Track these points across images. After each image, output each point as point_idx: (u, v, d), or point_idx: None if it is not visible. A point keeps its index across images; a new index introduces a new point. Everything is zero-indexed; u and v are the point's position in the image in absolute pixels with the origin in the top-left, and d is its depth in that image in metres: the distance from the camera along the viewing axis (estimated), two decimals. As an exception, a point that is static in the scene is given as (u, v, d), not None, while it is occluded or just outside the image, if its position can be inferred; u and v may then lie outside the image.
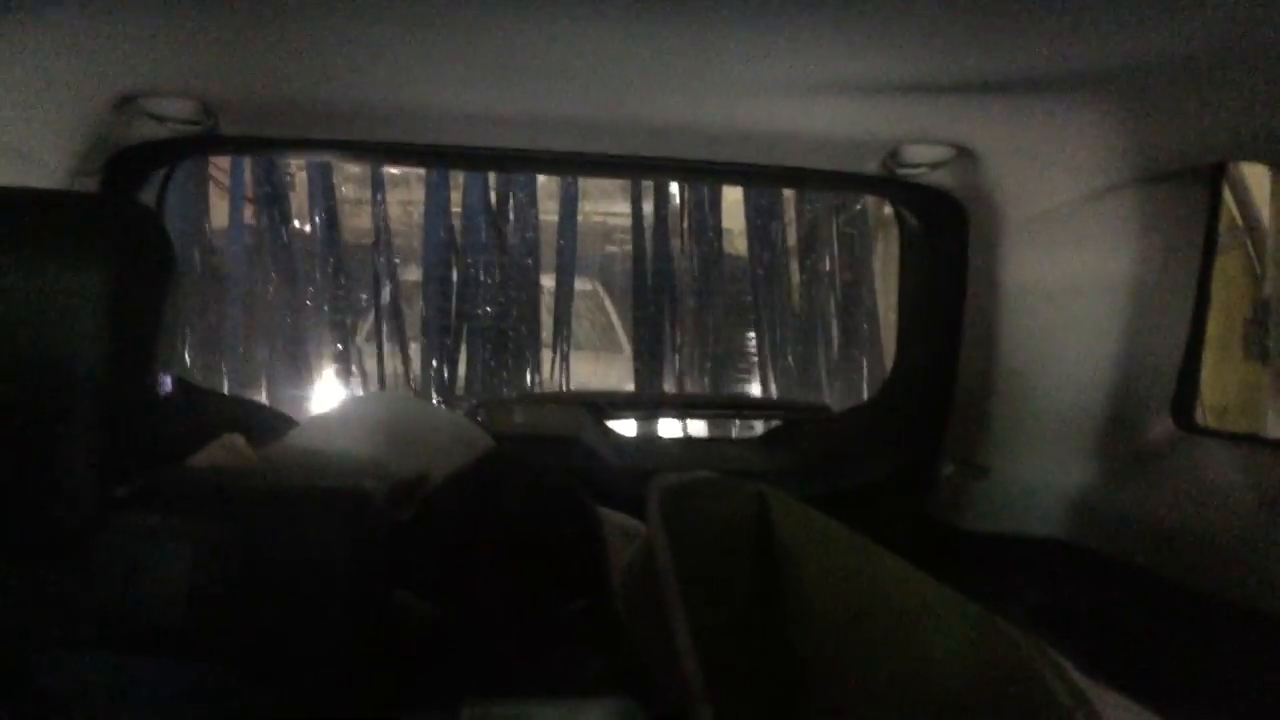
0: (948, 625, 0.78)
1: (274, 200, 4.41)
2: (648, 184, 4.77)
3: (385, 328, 4.58)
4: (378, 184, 4.54)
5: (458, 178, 4.54)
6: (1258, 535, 1.29)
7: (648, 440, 2.72)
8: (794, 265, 5.09)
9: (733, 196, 5.05)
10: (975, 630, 0.77)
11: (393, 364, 4.58)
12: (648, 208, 4.84)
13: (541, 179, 4.87)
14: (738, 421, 3.62)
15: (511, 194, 4.66)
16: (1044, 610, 1.58)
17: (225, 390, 4.22)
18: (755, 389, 4.92)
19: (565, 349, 4.78)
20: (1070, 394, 1.62)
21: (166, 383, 0.93)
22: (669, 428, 3.29)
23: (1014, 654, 0.74)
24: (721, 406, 3.49)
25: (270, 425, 1.74)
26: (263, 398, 4.43)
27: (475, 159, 1.91)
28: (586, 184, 5.15)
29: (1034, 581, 1.66)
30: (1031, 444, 1.68)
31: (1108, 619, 1.53)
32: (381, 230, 4.54)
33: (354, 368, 4.52)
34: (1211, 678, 1.32)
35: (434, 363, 4.53)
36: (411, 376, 4.56)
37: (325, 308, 4.50)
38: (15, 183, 1.33)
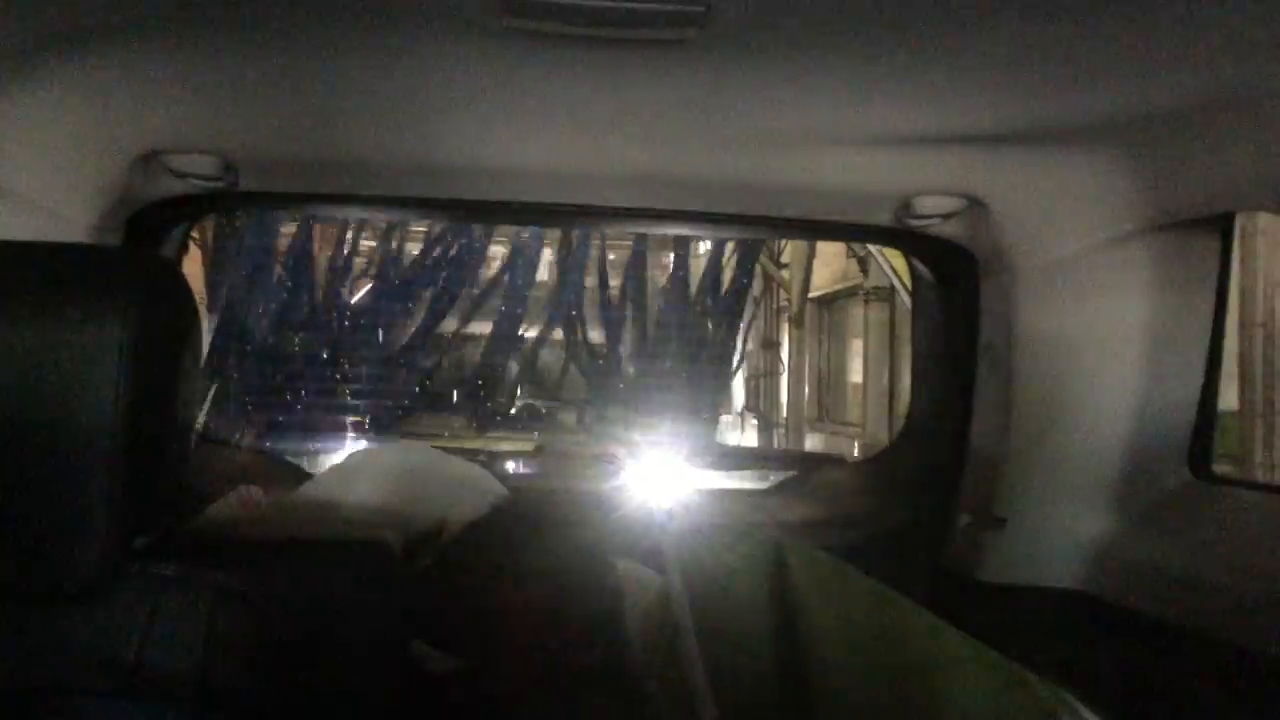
0: (970, 675, 0.77)
1: (297, 255, 4.45)
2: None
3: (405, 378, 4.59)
4: (393, 236, 4.60)
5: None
6: (1277, 585, 1.28)
7: (665, 490, 2.71)
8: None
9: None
10: (998, 680, 0.77)
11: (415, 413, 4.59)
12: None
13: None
14: (752, 472, 3.60)
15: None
16: (1062, 661, 1.56)
17: (242, 442, 4.21)
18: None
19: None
20: (1085, 443, 1.61)
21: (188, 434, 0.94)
22: (685, 478, 3.27)
23: (1037, 705, 0.74)
24: (737, 456, 3.48)
25: (287, 477, 1.75)
26: (279, 449, 4.41)
27: (490, 212, 1.94)
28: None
29: (1051, 632, 1.63)
30: (1047, 494, 1.67)
31: (1126, 670, 1.51)
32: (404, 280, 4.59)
33: (370, 419, 4.51)
34: None
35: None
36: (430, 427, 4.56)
37: (343, 359, 4.50)
38: (39, 238, 1.35)
